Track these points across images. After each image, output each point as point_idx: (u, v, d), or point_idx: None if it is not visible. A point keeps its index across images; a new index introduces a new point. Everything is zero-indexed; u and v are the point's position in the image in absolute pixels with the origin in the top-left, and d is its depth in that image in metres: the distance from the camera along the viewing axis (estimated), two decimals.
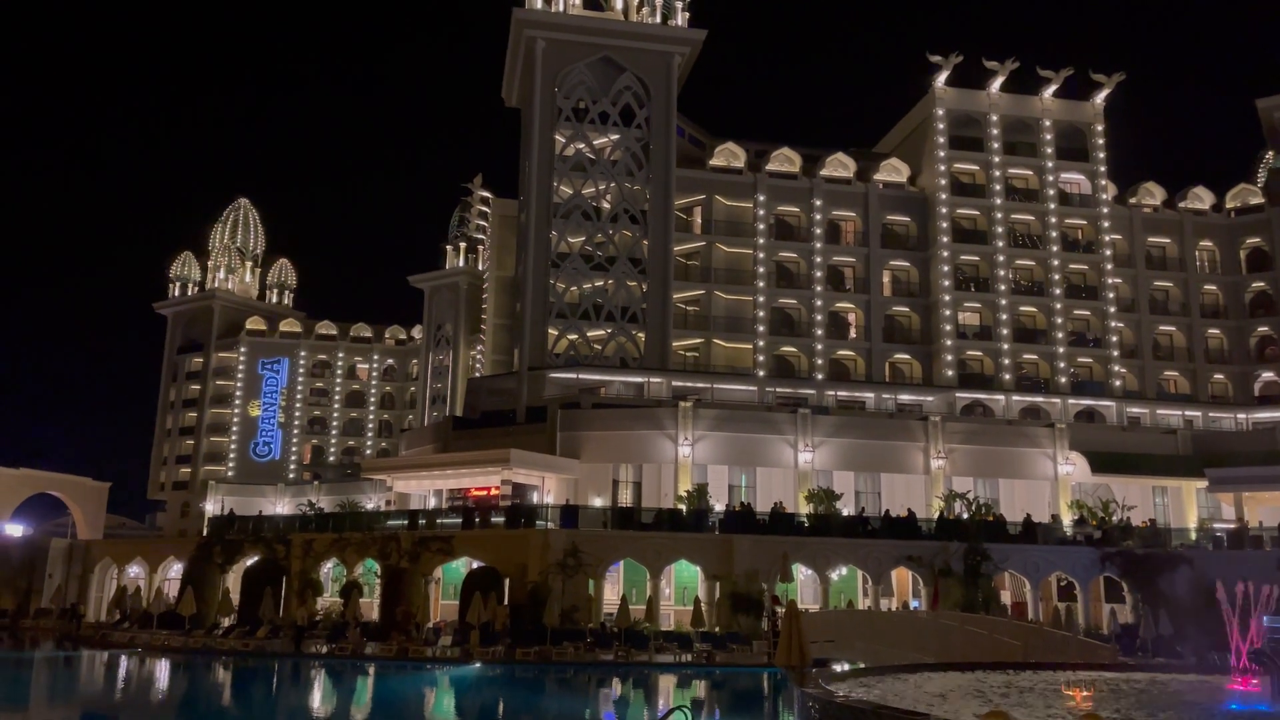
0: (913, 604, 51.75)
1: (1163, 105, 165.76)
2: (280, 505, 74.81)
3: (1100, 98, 75.73)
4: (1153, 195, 79.28)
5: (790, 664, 18.10)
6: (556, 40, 71.28)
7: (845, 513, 54.85)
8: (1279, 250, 76.86)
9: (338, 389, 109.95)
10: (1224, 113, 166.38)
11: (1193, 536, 55.23)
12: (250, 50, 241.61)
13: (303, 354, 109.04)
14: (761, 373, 70.18)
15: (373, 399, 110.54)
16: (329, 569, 54.79)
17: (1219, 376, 77.00)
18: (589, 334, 68.58)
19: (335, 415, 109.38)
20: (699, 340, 71.84)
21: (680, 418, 57.76)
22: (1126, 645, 42.67)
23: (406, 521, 52.64)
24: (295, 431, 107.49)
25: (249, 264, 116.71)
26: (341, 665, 41.70)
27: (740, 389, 67.86)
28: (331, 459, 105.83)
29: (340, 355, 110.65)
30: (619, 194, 70.35)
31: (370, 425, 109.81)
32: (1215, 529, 55.81)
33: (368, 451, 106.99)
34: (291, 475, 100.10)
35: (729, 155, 74.89)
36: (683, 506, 53.02)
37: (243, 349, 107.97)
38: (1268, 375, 76.49)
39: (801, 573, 50.60)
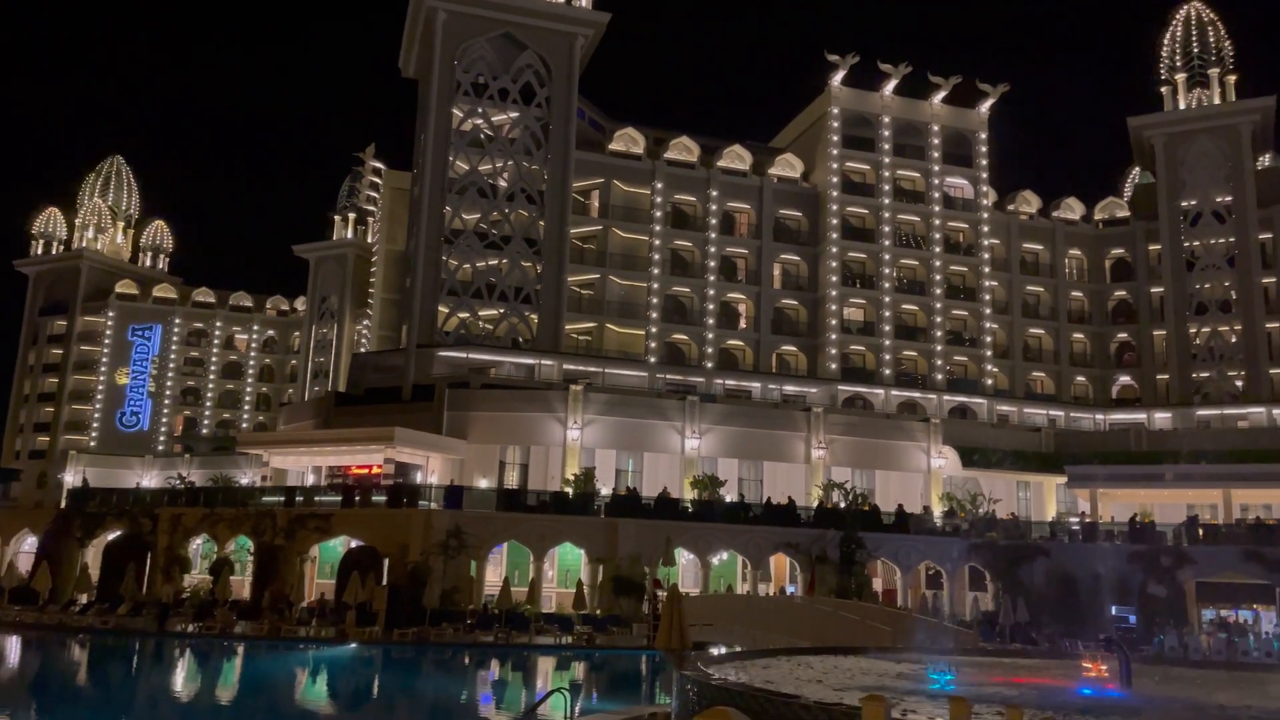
0: (789, 589, 53.17)
1: (1042, 118, 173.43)
2: (147, 478, 71.62)
3: (985, 107, 78.68)
4: (1029, 203, 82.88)
5: (670, 647, 18.34)
6: (458, 13, 69.86)
7: (728, 499, 55.88)
8: (1140, 261, 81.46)
9: (214, 359, 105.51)
10: (1098, 129, 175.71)
11: (1050, 530, 58.29)
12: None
13: (177, 321, 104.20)
14: (653, 359, 70.69)
15: (251, 371, 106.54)
16: (198, 545, 52.82)
17: (1081, 379, 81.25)
18: (480, 313, 67.75)
19: (210, 386, 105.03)
20: (592, 324, 71.86)
21: (570, 401, 57.73)
22: (986, 632, 44.85)
23: (283, 498, 51.10)
24: (166, 402, 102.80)
25: (121, 224, 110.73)
26: (208, 645, 40.29)
27: (631, 374, 68.23)
28: (205, 432, 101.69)
29: (218, 324, 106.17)
30: (516, 173, 69.59)
31: (248, 398, 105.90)
32: (1071, 523, 59.02)
33: (244, 425, 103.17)
34: (161, 447, 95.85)
35: (628, 140, 74.94)
36: (569, 490, 53.08)
37: (111, 313, 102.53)
38: (1124, 379, 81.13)
39: (683, 557, 51.35)
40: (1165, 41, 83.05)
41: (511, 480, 58.15)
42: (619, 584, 46.90)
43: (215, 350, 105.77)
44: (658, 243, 73.03)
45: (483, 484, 55.25)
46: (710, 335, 72.83)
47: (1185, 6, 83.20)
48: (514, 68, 70.79)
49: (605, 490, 54.65)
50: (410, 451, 54.31)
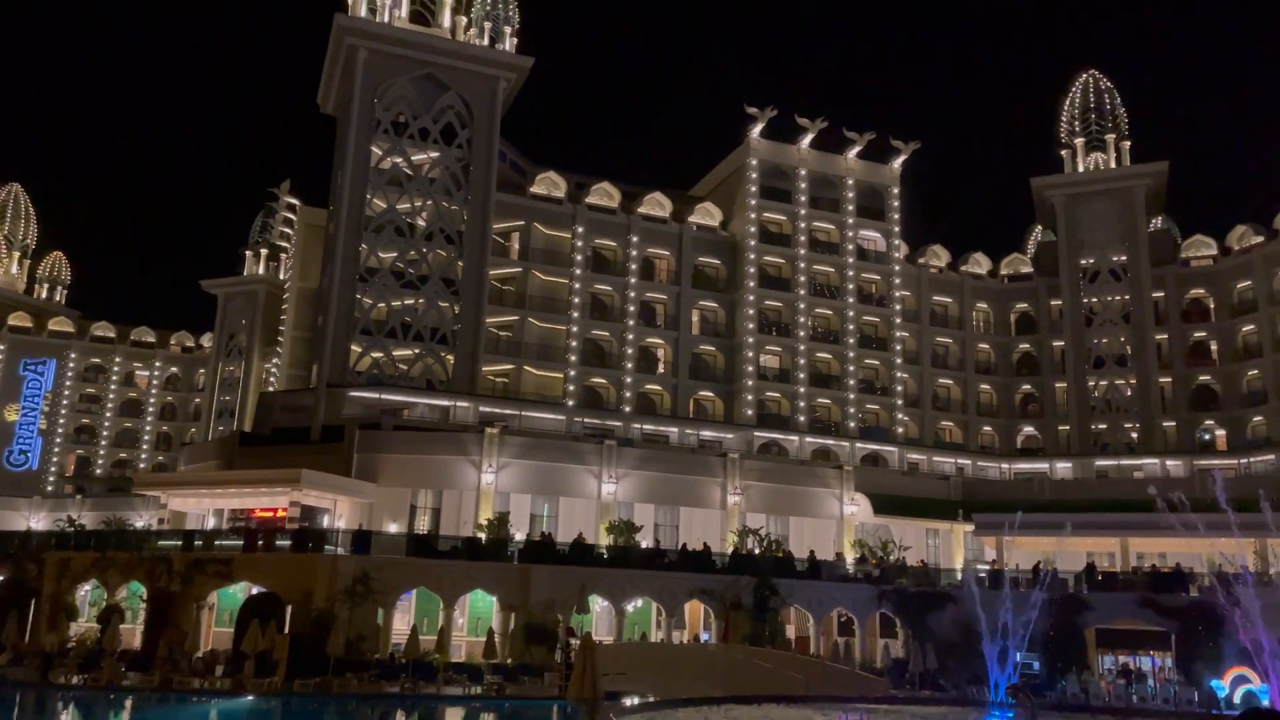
0: (704, 637, 52.81)
1: (952, 175, 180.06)
2: (35, 520, 68.00)
3: (898, 163, 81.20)
4: (939, 257, 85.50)
5: (582, 697, 17.92)
6: (380, 52, 69.44)
7: (644, 545, 55.46)
8: (1043, 316, 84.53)
9: (112, 396, 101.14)
10: (1004, 187, 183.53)
11: (958, 577, 59.29)
12: (44, 16, 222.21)
13: (73, 356, 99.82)
14: (571, 402, 70.28)
15: (151, 409, 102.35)
16: (86, 592, 50.12)
17: (987, 428, 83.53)
18: (395, 353, 66.55)
19: (107, 424, 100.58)
20: (509, 366, 71.22)
21: (485, 444, 56.84)
22: (897, 678, 45.17)
23: (180, 542, 48.89)
24: (58, 440, 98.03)
25: (17, 255, 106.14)
26: (94, 697, 38.02)
27: (549, 417, 67.58)
28: (99, 472, 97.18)
29: (117, 360, 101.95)
30: (435, 212, 68.99)
31: (147, 437, 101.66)
32: (978, 570, 60.11)
33: (142, 465, 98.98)
34: (50, 488, 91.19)
35: (550, 184, 75.11)
36: (482, 535, 52.04)
37: (2, 346, 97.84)
38: (1028, 429, 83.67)
39: (597, 604, 50.65)
40: (1065, 107, 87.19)
41: (423, 525, 56.75)
42: (531, 632, 45.93)
43: (114, 387, 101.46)
44: (578, 286, 73.05)
45: (392, 528, 53.80)
46: (629, 379, 72.87)
47: (1085, 75, 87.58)
48: (435, 108, 70.48)
49: (520, 535, 53.75)
50: (317, 494, 52.65)
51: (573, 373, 71.47)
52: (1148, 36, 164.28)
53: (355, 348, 65.58)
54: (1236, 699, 37.56)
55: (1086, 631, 51.23)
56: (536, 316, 72.16)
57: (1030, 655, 50.13)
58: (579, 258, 73.48)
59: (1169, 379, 79.36)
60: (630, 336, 73.66)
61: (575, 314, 72.50)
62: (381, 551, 48.03)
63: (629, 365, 73.13)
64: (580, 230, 73.86)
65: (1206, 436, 78.55)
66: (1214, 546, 52.64)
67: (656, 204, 77.47)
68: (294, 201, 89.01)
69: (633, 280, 74.63)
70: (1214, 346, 79.95)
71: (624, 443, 62.79)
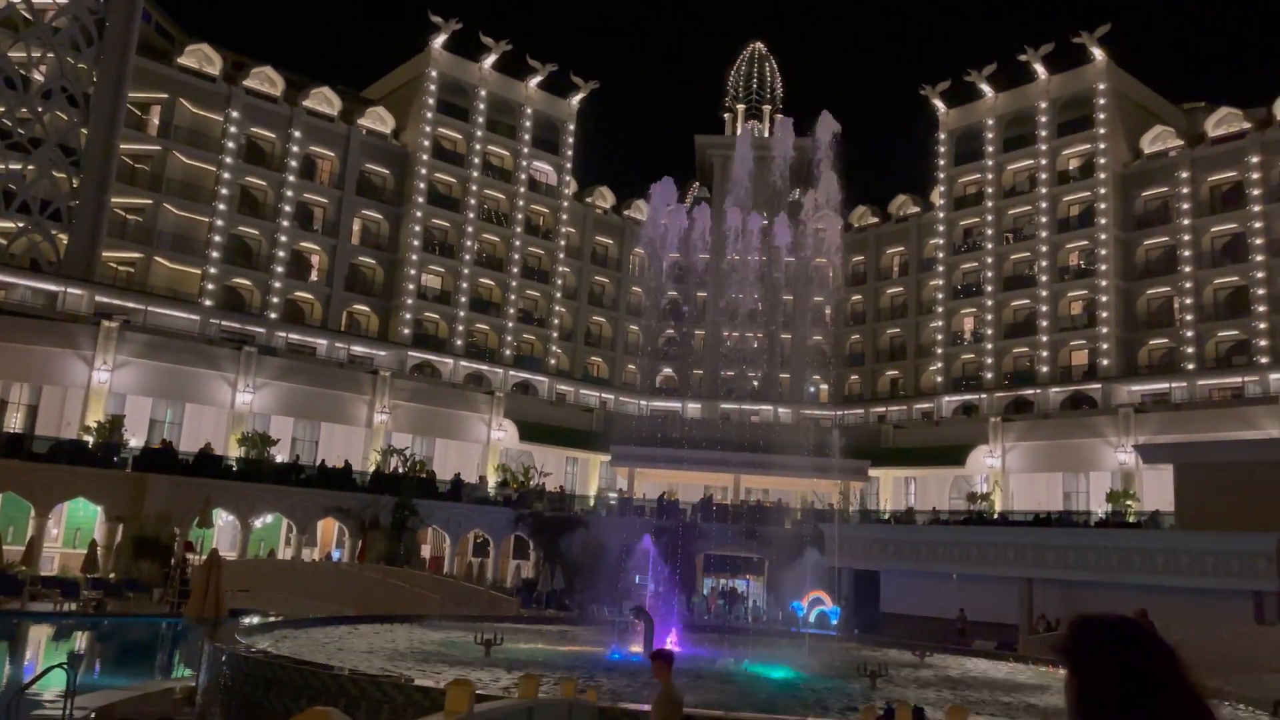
0: (335, 555, 51.62)
1: (624, 121, 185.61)
2: None
3: (576, 99, 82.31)
4: (605, 199, 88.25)
5: (203, 616, 16.76)
6: None
7: (279, 459, 52.80)
8: (692, 266, 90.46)
9: None
10: (670, 140, 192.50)
11: (592, 503, 62.71)
12: None
13: None
14: (209, 302, 64.54)
15: None
16: None
17: (632, 367, 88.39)
18: None
19: None
20: (138, 255, 63.82)
21: (101, 339, 50.81)
22: (526, 598, 47.09)
23: None
24: None
25: None
26: None
27: (181, 316, 61.69)
28: None
29: None
30: (58, 67, 59.50)
31: None
32: (609, 497, 63.97)
33: None
34: None
35: (202, 58, 67.52)
36: (89, 438, 46.70)
37: None
38: (668, 371, 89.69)
39: (221, 519, 47.63)
40: (732, 73, 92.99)
41: (15, 423, 49.86)
42: (141, 545, 42.16)
43: None
44: (227, 176, 66.71)
45: None
46: (277, 284, 68.14)
47: (751, 45, 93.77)
48: None
49: (136, 442, 48.91)
50: None
51: (213, 270, 65.53)
52: (832, 13, 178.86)
53: None
54: (812, 618, 43.22)
55: (698, 557, 56.43)
56: (174, 203, 65.08)
57: (648, 578, 54.46)
58: (231, 145, 66.99)
59: (788, 336, 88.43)
60: (283, 238, 68.75)
61: (222, 206, 66.28)
62: None
63: (279, 269, 68.32)
64: (235, 115, 67.29)
65: (812, 390, 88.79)
66: (810, 486, 60.13)
67: (325, 100, 72.49)
68: None
69: (291, 178, 69.47)
70: (827, 311, 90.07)
71: (266, 351, 59.02)
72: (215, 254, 65.70)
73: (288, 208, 69.04)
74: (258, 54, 71.25)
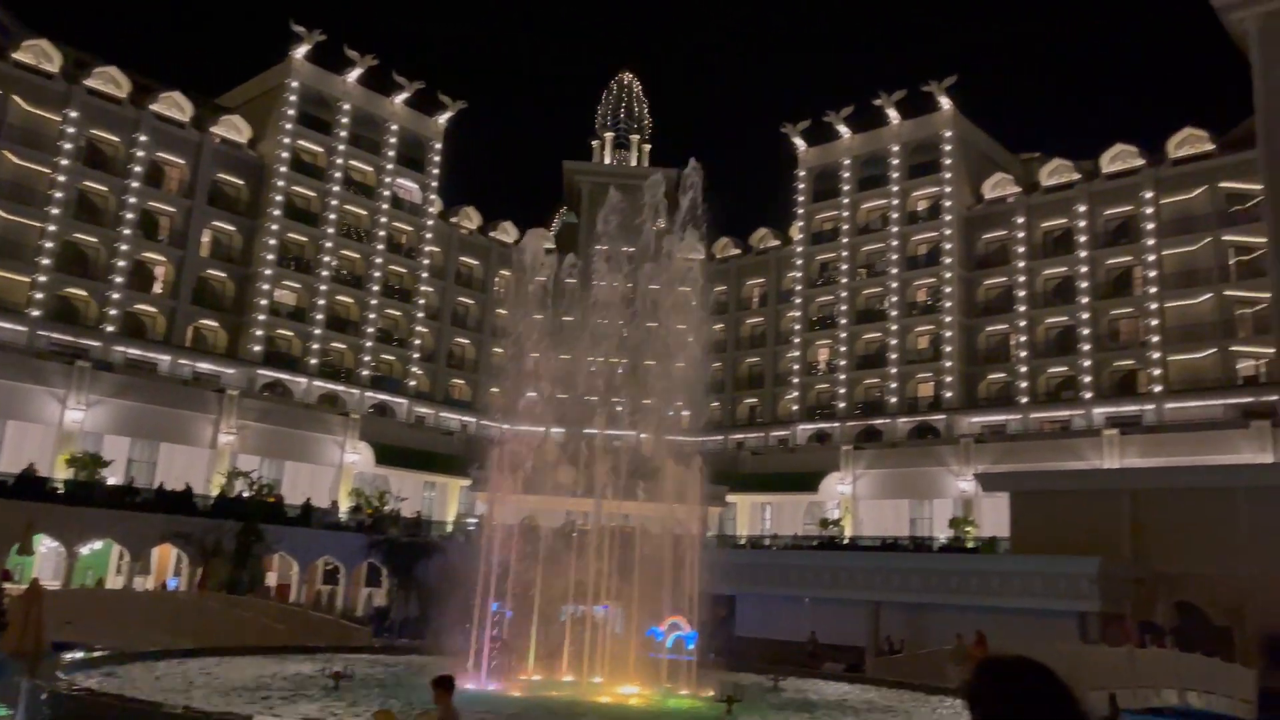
0: (171, 583, 48.81)
1: (492, 143, 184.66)
2: None
3: (444, 118, 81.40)
4: (470, 219, 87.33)
5: (22, 650, 15.52)
6: None
7: (113, 481, 49.70)
8: (556, 290, 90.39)
9: None
10: (540, 165, 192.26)
11: (449, 529, 61.51)
12: None
13: None
14: (37, 312, 60.25)
15: None
16: None
17: (495, 390, 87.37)
18: None
19: None
20: None
21: None
22: (378, 627, 45.64)
23: None
24: None
25: None
26: None
27: (5, 327, 57.43)
28: None
29: None
30: None
31: None
32: (468, 523, 62.91)
33: None
34: None
35: (40, 54, 63.38)
36: None
37: None
38: (532, 394, 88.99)
39: (43, 545, 44.34)
40: (602, 101, 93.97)
41: None
42: None
43: None
44: (63, 179, 62.62)
45: None
46: (117, 296, 64.21)
47: (622, 74, 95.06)
48: None
49: None
50: None
51: (43, 278, 61.21)
52: (701, 47, 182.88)
53: None
54: (669, 643, 43.46)
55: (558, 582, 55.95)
56: (3, 206, 60.66)
57: (504, 605, 53.70)
58: (69, 146, 63.01)
59: (653, 363, 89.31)
60: (124, 247, 64.91)
61: (55, 211, 62.16)
62: None
63: (118, 280, 64.45)
64: (74, 116, 63.35)
65: (673, 415, 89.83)
66: (670, 512, 60.65)
67: (175, 105, 69.16)
68: None
69: (135, 185, 65.80)
70: (689, 339, 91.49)
71: (101, 366, 55.61)
72: (46, 261, 61.45)
73: (131, 215, 65.28)
74: (106, 54, 67.53)
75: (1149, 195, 66.82)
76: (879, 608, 39.92)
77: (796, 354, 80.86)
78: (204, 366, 65.85)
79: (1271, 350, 59.41)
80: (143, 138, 66.25)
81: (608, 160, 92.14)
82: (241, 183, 71.88)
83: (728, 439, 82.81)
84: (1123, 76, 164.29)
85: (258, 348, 68.73)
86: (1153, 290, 65.48)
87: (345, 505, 58.63)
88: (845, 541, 60.93)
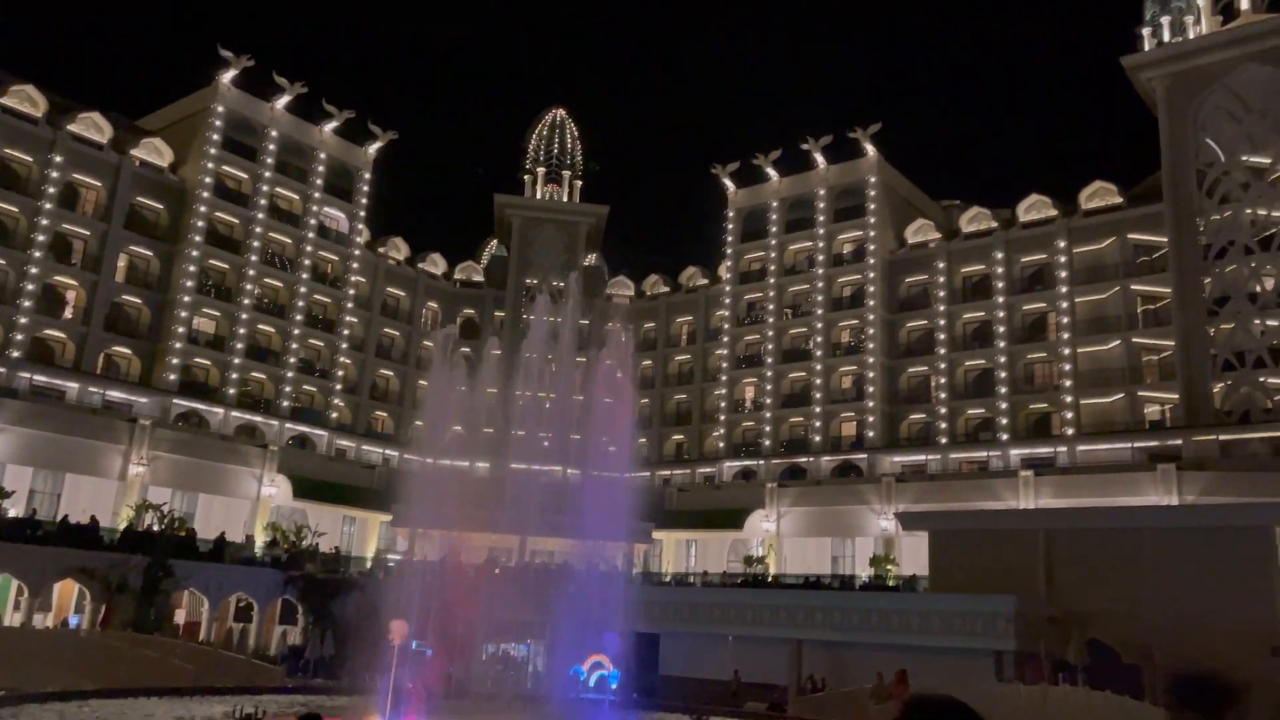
0: (72, 621, 46.62)
1: (422, 174, 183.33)
2: None
3: (373, 148, 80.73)
4: (398, 250, 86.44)
5: None
6: None
7: (13, 513, 47.48)
8: (486, 323, 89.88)
9: None
10: (470, 197, 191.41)
11: (368, 565, 60.09)
12: None
13: None
14: None
15: None
16: None
17: (419, 423, 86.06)
18: None
19: None
20: None
21: None
22: (292, 666, 44.21)
23: None
24: None
25: None
26: None
27: None
28: None
29: None
30: None
31: None
32: (388, 559, 61.55)
33: None
34: None
35: None
36: None
37: None
38: (456, 428, 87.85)
39: None
40: (534, 136, 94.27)
41: None
42: None
43: None
44: None
45: None
46: (24, 320, 61.84)
47: (553, 112, 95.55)
48: None
49: None
50: None
51: None
52: (635, 85, 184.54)
53: None
54: (592, 682, 42.98)
55: (477, 621, 54.97)
56: None
57: (424, 643, 52.51)
58: None
59: (581, 398, 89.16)
60: (33, 270, 62.65)
61: None
62: None
63: (26, 304, 62.09)
64: None
65: (601, 451, 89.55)
66: (595, 549, 60.23)
67: (94, 125, 67.30)
68: None
69: (47, 206, 63.68)
70: (618, 374, 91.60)
71: (4, 393, 53.37)
72: None
73: (41, 237, 63.12)
74: (22, 72, 65.50)
75: (1062, 244, 69.37)
76: (801, 646, 40.06)
77: (724, 391, 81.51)
78: (115, 395, 63.58)
79: (1175, 396, 61.87)
80: (58, 158, 64.29)
81: (539, 195, 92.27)
82: (161, 207, 70.09)
83: (654, 475, 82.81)
84: (1039, 128, 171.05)
85: (173, 376, 66.71)
86: (1065, 336, 67.77)
87: (261, 540, 56.90)
88: (769, 579, 61.17)
